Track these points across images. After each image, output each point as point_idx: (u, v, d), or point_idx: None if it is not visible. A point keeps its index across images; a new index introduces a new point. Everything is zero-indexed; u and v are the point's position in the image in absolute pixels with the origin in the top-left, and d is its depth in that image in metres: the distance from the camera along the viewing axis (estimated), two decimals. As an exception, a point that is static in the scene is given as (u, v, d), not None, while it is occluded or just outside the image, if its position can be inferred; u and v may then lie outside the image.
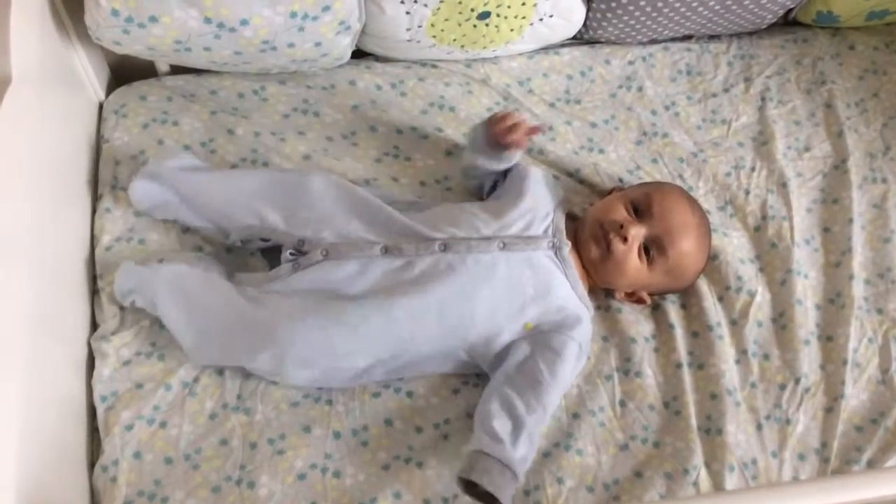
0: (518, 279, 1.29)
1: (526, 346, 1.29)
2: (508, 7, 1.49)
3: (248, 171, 1.43)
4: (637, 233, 1.35)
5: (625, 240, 1.34)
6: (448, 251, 1.28)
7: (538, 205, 1.37)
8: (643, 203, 1.38)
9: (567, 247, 1.34)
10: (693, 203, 1.42)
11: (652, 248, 1.36)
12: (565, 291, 1.32)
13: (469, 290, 1.27)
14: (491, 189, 1.47)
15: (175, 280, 1.27)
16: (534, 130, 1.37)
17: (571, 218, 1.45)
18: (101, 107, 1.53)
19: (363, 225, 1.31)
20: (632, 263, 1.35)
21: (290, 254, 1.29)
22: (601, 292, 1.42)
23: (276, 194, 1.34)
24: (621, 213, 1.37)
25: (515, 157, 1.41)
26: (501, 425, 1.20)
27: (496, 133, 1.36)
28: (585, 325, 1.34)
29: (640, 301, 1.41)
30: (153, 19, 1.31)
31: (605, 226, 1.36)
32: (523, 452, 1.20)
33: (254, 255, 1.40)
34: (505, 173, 1.44)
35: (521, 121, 1.36)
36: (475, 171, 1.44)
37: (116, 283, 1.30)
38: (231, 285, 1.29)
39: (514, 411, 1.22)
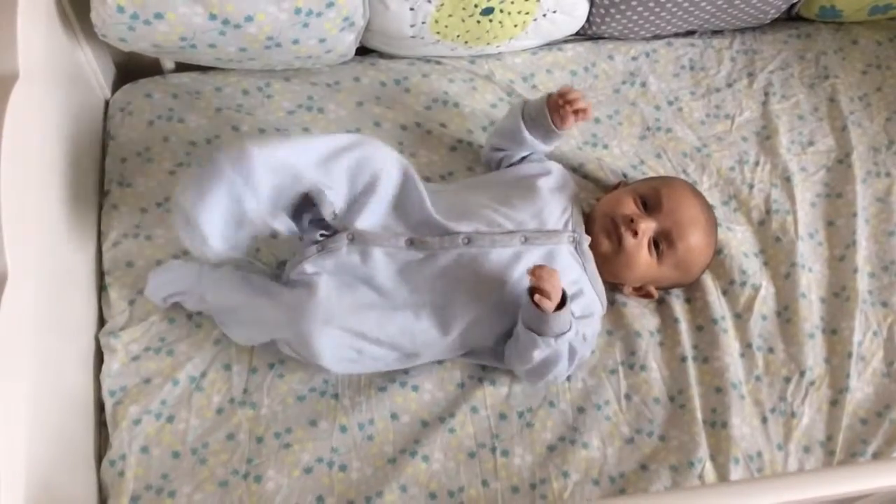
0: None
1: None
2: (512, 3, 1.49)
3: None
4: (647, 226, 1.35)
5: (635, 233, 1.34)
6: (472, 245, 1.29)
7: (554, 200, 1.37)
8: (652, 197, 1.38)
9: (587, 241, 1.35)
10: (700, 197, 1.43)
11: (661, 242, 1.36)
12: (581, 285, 1.33)
13: (493, 285, 1.27)
14: (507, 165, 1.46)
15: (220, 277, 1.29)
16: (583, 113, 1.37)
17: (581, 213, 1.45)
18: (106, 104, 1.53)
19: (391, 210, 1.30)
20: (642, 257, 1.35)
21: (321, 235, 1.27)
22: (607, 286, 1.42)
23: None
24: (631, 207, 1.37)
25: (559, 139, 1.43)
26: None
27: (553, 104, 1.37)
28: (595, 319, 1.35)
29: (647, 295, 1.41)
30: (158, 16, 1.32)
31: (615, 220, 1.36)
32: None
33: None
34: (523, 157, 1.45)
35: (577, 98, 1.36)
36: (510, 147, 1.44)
37: (150, 287, 1.30)
38: (263, 276, 1.31)
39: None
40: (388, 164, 1.29)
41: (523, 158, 1.45)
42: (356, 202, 1.28)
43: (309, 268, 1.25)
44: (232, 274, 1.30)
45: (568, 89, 1.37)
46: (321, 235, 1.28)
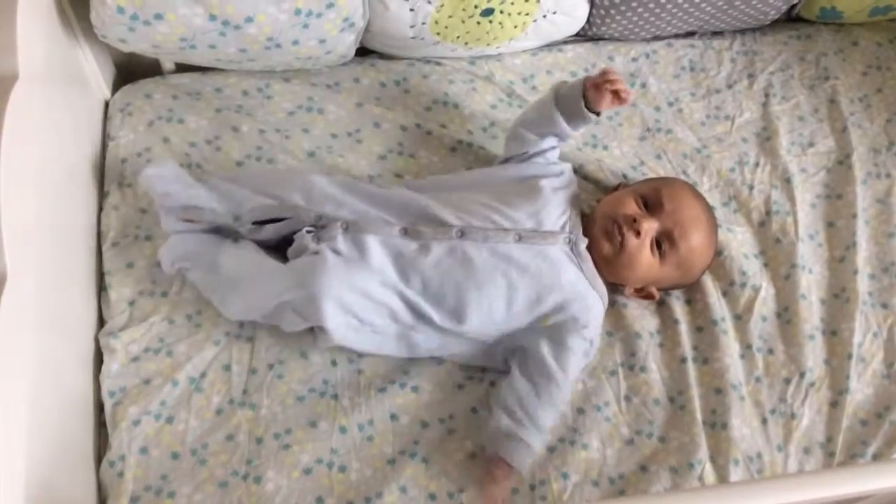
0: (533, 270, 1.30)
1: (540, 341, 1.30)
2: (512, 4, 1.49)
3: (254, 170, 1.45)
4: (650, 226, 1.35)
5: (638, 234, 1.34)
6: (465, 238, 1.29)
7: (555, 201, 1.37)
8: (653, 197, 1.38)
9: (584, 243, 1.35)
10: (700, 197, 1.43)
11: (663, 242, 1.36)
12: (578, 285, 1.33)
13: (484, 279, 1.27)
14: (522, 160, 1.45)
15: (230, 248, 1.31)
16: (620, 97, 1.35)
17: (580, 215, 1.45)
18: (106, 105, 1.54)
19: (378, 209, 1.32)
20: (644, 257, 1.35)
21: (307, 231, 1.28)
22: (608, 287, 1.41)
23: (288, 182, 1.35)
24: (632, 207, 1.37)
25: (586, 123, 1.41)
26: (518, 408, 1.26)
27: (592, 82, 1.35)
28: (598, 320, 1.35)
29: (648, 296, 1.41)
30: (158, 17, 1.32)
31: (617, 220, 1.36)
32: (541, 434, 1.27)
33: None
34: (535, 155, 1.44)
35: (618, 80, 1.34)
36: (533, 128, 1.42)
37: (166, 249, 1.31)
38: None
39: (526, 400, 1.26)
40: (324, 178, 1.37)
41: (540, 153, 1.43)
42: (336, 201, 1.31)
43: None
44: (249, 244, 1.31)
45: (610, 70, 1.35)
46: (307, 231, 1.28)
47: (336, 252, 1.25)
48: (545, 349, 1.29)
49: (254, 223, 1.31)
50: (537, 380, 1.27)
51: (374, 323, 1.26)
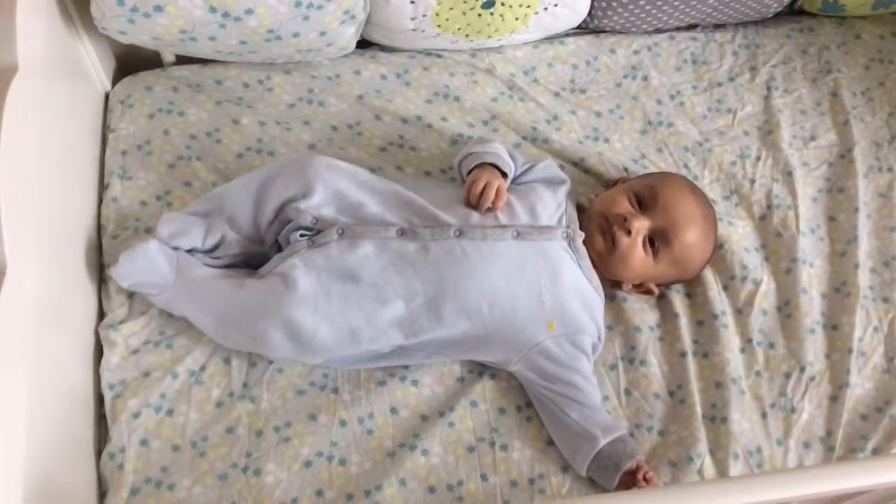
0: (532, 268, 1.29)
1: (554, 353, 1.30)
2: (513, -4, 1.49)
3: (251, 173, 1.39)
4: (641, 226, 1.34)
5: (629, 233, 1.34)
6: (463, 237, 1.28)
7: (548, 194, 1.37)
8: (647, 195, 1.37)
9: (581, 237, 1.35)
10: (698, 193, 1.42)
11: (657, 240, 1.36)
12: (577, 281, 1.33)
13: (483, 276, 1.27)
14: None
15: (200, 277, 1.28)
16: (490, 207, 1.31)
17: (579, 209, 1.44)
18: (107, 97, 1.53)
19: (378, 204, 1.31)
20: (637, 256, 1.35)
21: (301, 234, 1.28)
22: (606, 282, 1.42)
23: (288, 176, 1.32)
24: (625, 206, 1.37)
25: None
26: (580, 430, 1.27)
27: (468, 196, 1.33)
28: (599, 315, 1.35)
29: (647, 292, 1.41)
30: (158, 9, 1.31)
31: (609, 219, 1.36)
32: (609, 422, 1.29)
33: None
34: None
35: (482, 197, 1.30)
36: None
37: (121, 269, 1.26)
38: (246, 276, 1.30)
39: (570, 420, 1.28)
40: (334, 162, 1.33)
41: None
42: (334, 201, 1.30)
43: (299, 263, 1.25)
44: (209, 286, 1.28)
45: (473, 190, 1.31)
46: (301, 235, 1.27)
47: (330, 259, 1.25)
48: (556, 355, 1.30)
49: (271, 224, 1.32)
50: (563, 402, 1.28)
51: (368, 347, 1.27)
